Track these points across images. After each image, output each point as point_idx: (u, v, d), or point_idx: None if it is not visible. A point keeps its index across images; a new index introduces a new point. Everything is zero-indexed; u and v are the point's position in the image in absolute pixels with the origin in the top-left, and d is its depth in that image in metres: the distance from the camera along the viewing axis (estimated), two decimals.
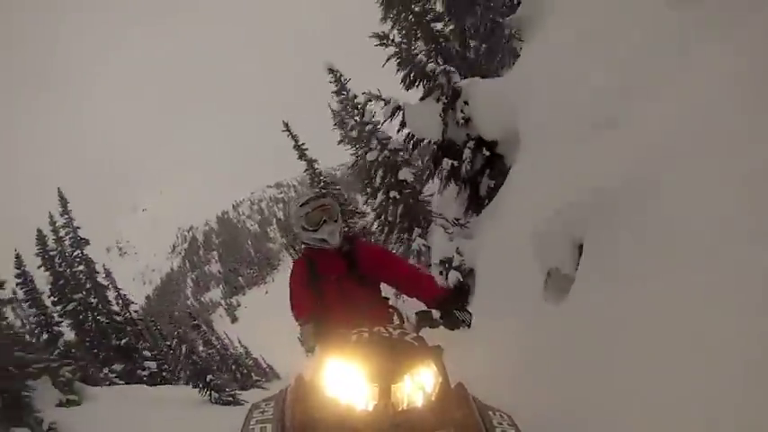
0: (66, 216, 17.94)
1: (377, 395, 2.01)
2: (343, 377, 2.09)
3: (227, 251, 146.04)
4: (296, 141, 15.64)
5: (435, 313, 2.75)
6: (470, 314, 2.66)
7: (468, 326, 2.63)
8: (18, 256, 16.83)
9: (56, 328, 16.72)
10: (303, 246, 3.27)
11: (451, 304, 2.71)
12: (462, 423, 2.18)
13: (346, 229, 2.87)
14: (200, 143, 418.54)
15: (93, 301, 17.93)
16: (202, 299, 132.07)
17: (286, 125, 15.64)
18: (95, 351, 17.98)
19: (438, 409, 2.09)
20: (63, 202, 17.91)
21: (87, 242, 18.29)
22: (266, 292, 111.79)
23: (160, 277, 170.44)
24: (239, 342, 47.68)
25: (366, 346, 2.16)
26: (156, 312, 60.47)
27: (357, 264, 3.08)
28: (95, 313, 17.77)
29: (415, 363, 2.12)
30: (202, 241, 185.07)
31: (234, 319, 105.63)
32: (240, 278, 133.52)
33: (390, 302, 3.25)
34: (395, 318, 3.12)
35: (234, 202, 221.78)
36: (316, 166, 16.16)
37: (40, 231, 17.33)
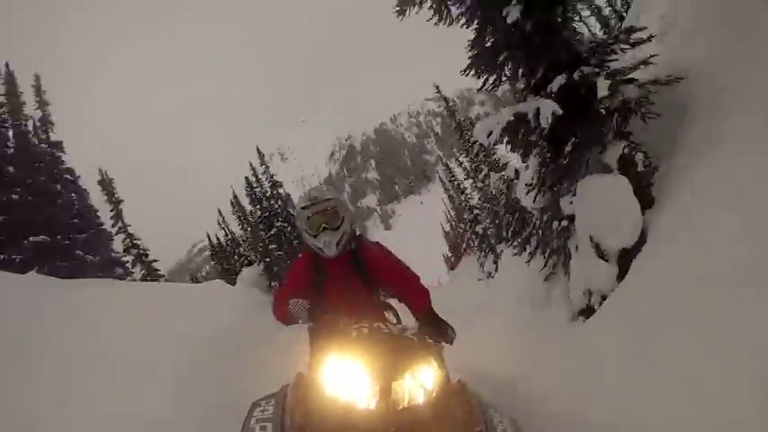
0: (263, 166, 22.26)
1: (377, 393, 2.02)
2: (344, 375, 2.08)
3: (385, 160, 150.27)
4: None
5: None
6: (454, 332, 2.65)
7: (451, 342, 2.59)
8: (234, 197, 22.05)
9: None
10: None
11: (439, 320, 2.74)
12: (463, 420, 2.17)
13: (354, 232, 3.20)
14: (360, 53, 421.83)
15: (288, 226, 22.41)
16: (358, 204, 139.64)
17: None
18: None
19: (438, 407, 2.09)
20: (260, 156, 22.33)
21: (281, 184, 22.61)
22: (421, 203, 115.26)
23: (319, 181, 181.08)
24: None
25: (366, 342, 2.16)
26: None
27: (362, 264, 3.01)
28: (290, 235, 22.20)
29: (415, 360, 2.12)
30: (360, 149, 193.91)
31: (387, 227, 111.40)
32: (396, 186, 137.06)
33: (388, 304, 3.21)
34: (392, 318, 3.06)
35: (392, 114, 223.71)
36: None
37: (247, 179, 21.81)
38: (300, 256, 3.14)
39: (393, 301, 3.13)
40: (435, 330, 2.61)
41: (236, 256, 22.57)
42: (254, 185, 21.66)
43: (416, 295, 2.96)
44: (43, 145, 16.10)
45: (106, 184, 16.04)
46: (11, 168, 14.12)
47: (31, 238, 13.34)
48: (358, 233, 3.26)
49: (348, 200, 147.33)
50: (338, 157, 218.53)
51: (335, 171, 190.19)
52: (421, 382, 2.09)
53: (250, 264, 20.38)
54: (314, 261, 2.99)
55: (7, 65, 16.18)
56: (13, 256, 12.99)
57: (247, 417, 2.18)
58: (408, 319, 2.96)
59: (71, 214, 15.41)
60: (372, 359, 2.07)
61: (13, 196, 13.71)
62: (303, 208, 2.94)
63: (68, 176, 16.31)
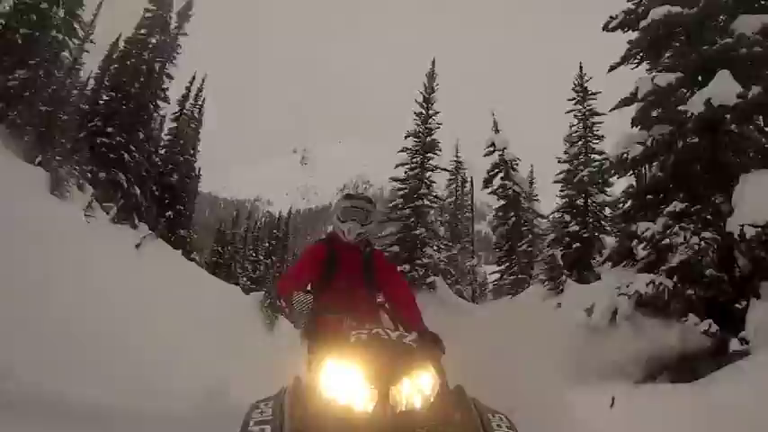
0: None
1: (375, 397, 2.00)
2: (342, 379, 2.06)
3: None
4: None
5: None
6: (444, 346, 2.59)
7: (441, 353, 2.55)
8: None
9: None
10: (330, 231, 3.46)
11: (431, 333, 2.68)
12: (461, 425, 2.15)
13: (365, 237, 3.34)
14: None
15: None
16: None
17: None
18: None
19: (437, 411, 2.07)
20: None
21: None
22: None
23: (315, 205, 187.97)
24: None
25: (365, 347, 2.16)
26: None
27: (372, 266, 3.25)
28: None
29: (413, 365, 2.12)
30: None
31: None
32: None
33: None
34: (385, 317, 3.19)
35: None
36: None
37: None
38: (316, 243, 3.39)
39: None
40: (428, 342, 2.54)
41: None
42: None
43: (411, 316, 3.04)
44: None
45: None
46: None
47: None
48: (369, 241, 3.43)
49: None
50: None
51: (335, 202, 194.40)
52: (419, 387, 2.07)
53: None
54: (329, 250, 3.22)
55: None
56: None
57: (246, 419, 2.15)
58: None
59: None
60: (371, 364, 2.05)
61: None
62: (347, 196, 3.37)
63: None
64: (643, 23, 8.47)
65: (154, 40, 17.62)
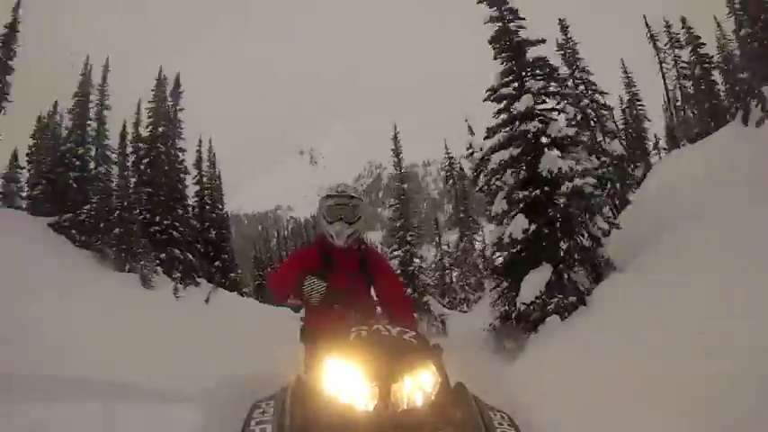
0: None
1: (377, 395, 2.01)
2: (343, 377, 2.08)
3: (403, 204, 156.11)
4: None
5: None
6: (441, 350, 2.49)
7: None
8: None
9: None
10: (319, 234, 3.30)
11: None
12: (462, 423, 2.16)
13: (357, 236, 3.31)
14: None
15: None
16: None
17: None
18: None
19: (438, 409, 2.08)
20: None
21: None
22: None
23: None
24: None
25: (365, 344, 2.16)
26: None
27: (367, 265, 3.22)
28: None
29: (414, 362, 2.12)
30: (385, 184, 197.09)
31: None
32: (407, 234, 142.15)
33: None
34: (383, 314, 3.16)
35: (425, 159, 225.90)
36: None
37: None
38: (310, 244, 3.37)
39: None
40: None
41: None
42: None
43: (403, 314, 3.08)
44: None
45: None
46: None
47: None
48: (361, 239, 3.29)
49: None
50: (363, 184, 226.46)
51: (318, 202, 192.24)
52: (420, 384, 2.07)
53: None
54: (323, 250, 3.16)
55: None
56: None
57: (247, 418, 2.17)
58: None
59: None
60: (371, 361, 2.05)
61: None
62: (328, 196, 3.18)
63: None
64: None
65: (161, 130, 20.97)
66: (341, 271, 3.09)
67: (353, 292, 2.95)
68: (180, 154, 22.09)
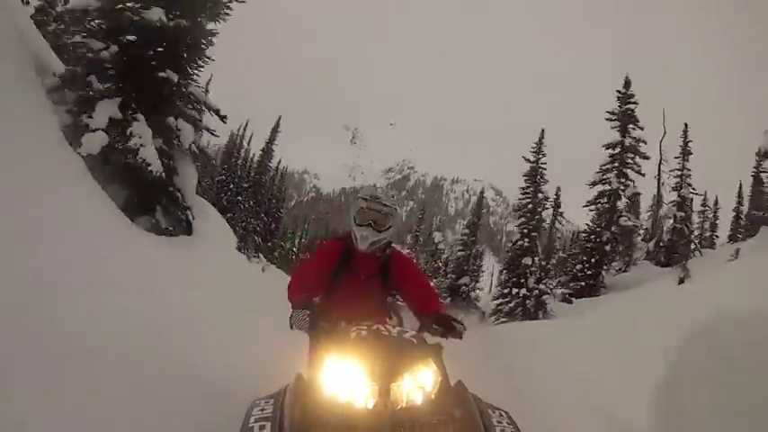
0: None
1: (376, 393, 2.01)
2: (343, 375, 2.08)
3: (420, 210, 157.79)
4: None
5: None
6: (464, 327, 2.65)
7: (461, 337, 2.62)
8: None
9: None
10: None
11: (447, 316, 2.69)
12: (462, 421, 2.16)
13: (382, 244, 3.02)
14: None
15: None
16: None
17: None
18: None
19: (438, 408, 2.10)
20: None
21: None
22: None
23: (360, 184, 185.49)
24: None
25: (365, 343, 2.16)
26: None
27: (389, 271, 3.08)
28: None
29: (414, 361, 2.12)
30: (410, 186, 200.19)
31: None
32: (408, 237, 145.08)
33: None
34: (395, 320, 3.10)
35: (455, 176, 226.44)
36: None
37: None
38: (335, 238, 3.17)
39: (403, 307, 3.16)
40: (444, 326, 2.61)
41: None
42: None
43: (431, 303, 2.93)
44: None
45: None
46: None
47: None
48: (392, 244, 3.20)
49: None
50: (391, 178, 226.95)
51: (382, 185, 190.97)
52: (420, 382, 2.09)
53: None
54: (345, 249, 3.01)
55: None
56: None
57: (246, 416, 2.16)
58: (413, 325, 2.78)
59: None
60: (371, 360, 2.05)
61: None
62: (362, 198, 2.99)
63: None
64: None
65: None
66: (359, 273, 2.98)
67: (368, 294, 2.96)
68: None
